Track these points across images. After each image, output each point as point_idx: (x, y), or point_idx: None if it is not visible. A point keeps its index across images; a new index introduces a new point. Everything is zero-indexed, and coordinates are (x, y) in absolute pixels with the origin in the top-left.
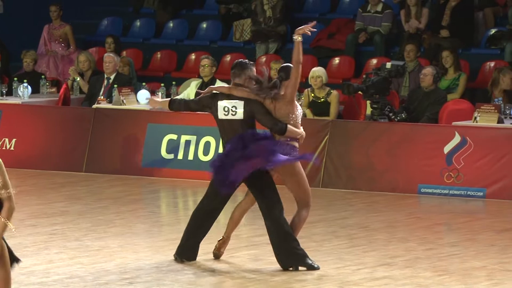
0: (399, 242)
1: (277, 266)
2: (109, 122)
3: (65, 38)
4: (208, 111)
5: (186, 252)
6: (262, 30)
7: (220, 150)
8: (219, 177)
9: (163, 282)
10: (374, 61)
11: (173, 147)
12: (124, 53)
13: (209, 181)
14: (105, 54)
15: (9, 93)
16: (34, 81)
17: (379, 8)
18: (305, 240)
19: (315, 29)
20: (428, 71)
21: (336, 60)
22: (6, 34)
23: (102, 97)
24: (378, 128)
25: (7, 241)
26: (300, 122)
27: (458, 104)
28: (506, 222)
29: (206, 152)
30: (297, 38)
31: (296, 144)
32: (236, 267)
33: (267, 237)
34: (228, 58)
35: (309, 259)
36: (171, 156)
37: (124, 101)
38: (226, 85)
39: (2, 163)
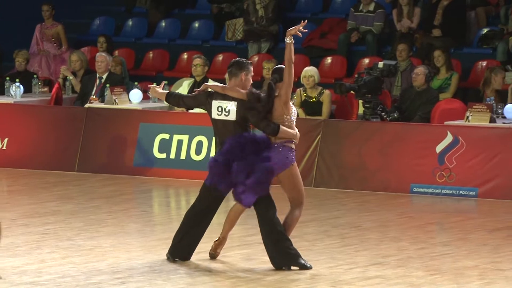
0: (391, 242)
1: (269, 265)
2: (101, 121)
3: (57, 37)
4: (203, 108)
5: (180, 252)
6: (254, 29)
7: (213, 149)
8: (218, 172)
9: (156, 282)
10: (366, 60)
11: (165, 147)
12: (116, 52)
13: (202, 181)
14: (97, 54)
15: (1, 92)
16: (26, 80)
17: (371, 7)
18: (298, 239)
19: (306, 30)
20: (420, 71)
21: (328, 60)
22: None
23: (94, 97)
24: (370, 127)
25: None
26: (295, 124)
27: (450, 104)
28: (498, 221)
29: (198, 152)
30: (288, 40)
31: (293, 146)
32: (228, 266)
33: (260, 236)
34: (220, 57)
35: (302, 258)
36: (163, 155)
37: (116, 100)
38: (220, 84)
39: None
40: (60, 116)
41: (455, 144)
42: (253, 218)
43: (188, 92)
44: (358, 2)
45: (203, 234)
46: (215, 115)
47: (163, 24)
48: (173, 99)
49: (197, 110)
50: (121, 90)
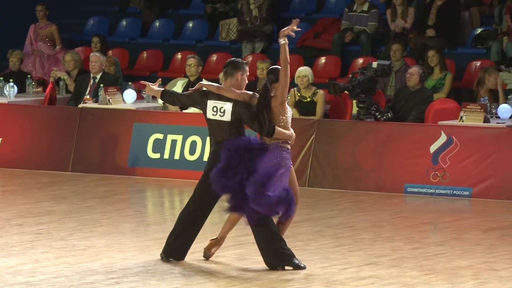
0: (385, 242)
1: (263, 265)
2: (95, 121)
3: (51, 37)
4: (198, 107)
5: (174, 251)
6: (248, 29)
7: (207, 149)
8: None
9: (150, 282)
10: (360, 60)
11: (159, 147)
12: (110, 52)
13: (197, 181)
14: (91, 54)
15: None
16: (20, 80)
17: (365, 7)
18: (291, 239)
19: (299, 29)
20: (414, 71)
21: (322, 60)
22: None
23: (88, 97)
24: (364, 127)
25: None
26: (290, 124)
27: (444, 104)
28: (492, 221)
29: (192, 152)
30: (282, 41)
31: (288, 146)
32: (223, 266)
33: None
34: (214, 57)
35: (296, 258)
36: (157, 155)
37: (110, 100)
38: (215, 84)
39: None
40: (54, 116)
41: (449, 144)
42: None
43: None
44: (352, 2)
45: (197, 234)
46: (210, 115)
47: (157, 24)
48: (168, 97)
49: (191, 110)
50: (115, 90)
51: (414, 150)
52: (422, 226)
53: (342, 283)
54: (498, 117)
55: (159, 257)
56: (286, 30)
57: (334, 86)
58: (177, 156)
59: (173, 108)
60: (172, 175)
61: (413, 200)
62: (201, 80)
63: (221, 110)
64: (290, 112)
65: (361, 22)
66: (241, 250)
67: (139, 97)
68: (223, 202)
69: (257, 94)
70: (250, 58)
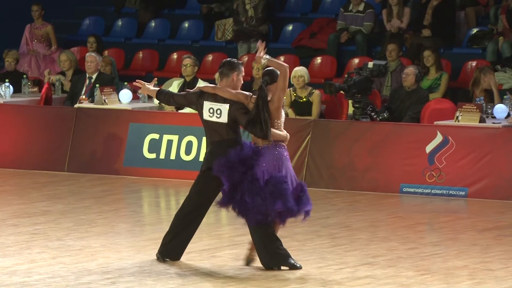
0: (381, 242)
1: (259, 265)
2: (91, 121)
3: (47, 37)
4: (193, 108)
5: (170, 252)
6: (244, 29)
7: (203, 149)
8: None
9: (146, 282)
10: (356, 60)
11: (155, 147)
12: (106, 52)
13: (192, 181)
14: (87, 54)
15: None
16: (16, 80)
17: (361, 7)
18: (288, 239)
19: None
20: (410, 71)
21: (318, 60)
22: None
23: (84, 97)
24: (360, 127)
25: None
26: (283, 126)
27: (440, 104)
28: (488, 221)
29: (188, 152)
30: (264, 60)
31: (285, 145)
32: (218, 266)
33: (249, 236)
34: (210, 57)
35: (292, 258)
36: (153, 155)
37: (106, 100)
38: (211, 85)
39: None
40: (50, 116)
41: (445, 144)
42: None
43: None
44: (347, 2)
45: (193, 235)
46: (206, 116)
47: (153, 24)
48: (163, 96)
49: (186, 110)
50: (111, 90)
51: (410, 150)
52: (418, 226)
53: (338, 283)
54: (494, 117)
55: (155, 257)
56: (257, 57)
57: (329, 86)
58: (173, 156)
59: (169, 108)
60: (168, 175)
61: (409, 200)
62: (197, 80)
63: (217, 112)
64: (283, 114)
65: (356, 22)
66: (237, 250)
67: (135, 97)
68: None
69: (253, 94)
70: (245, 58)
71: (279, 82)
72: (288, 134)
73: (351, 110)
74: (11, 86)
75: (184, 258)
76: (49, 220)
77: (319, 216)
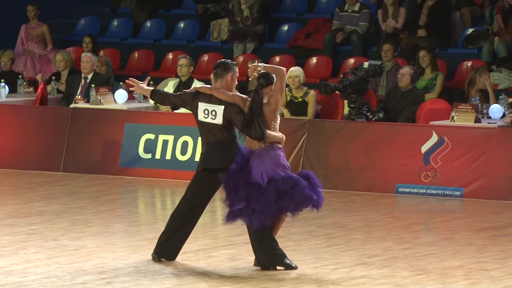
0: (376, 242)
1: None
2: (87, 121)
3: (43, 37)
4: (188, 108)
5: (165, 252)
6: (240, 29)
7: (199, 149)
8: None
9: (141, 282)
10: (352, 60)
11: (150, 147)
12: (101, 52)
13: (188, 181)
14: (83, 54)
15: None
16: (12, 80)
17: (357, 7)
18: (283, 239)
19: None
20: (406, 71)
21: (314, 60)
22: None
23: (79, 97)
24: (356, 127)
25: None
26: (278, 129)
27: (435, 104)
28: (483, 221)
29: (183, 152)
30: (260, 68)
31: (281, 146)
32: (214, 266)
33: (245, 236)
34: (205, 57)
35: (287, 259)
36: (149, 155)
37: (102, 100)
38: (207, 86)
39: None
40: (46, 116)
41: (440, 144)
42: None
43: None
44: (343, 2)
45: (189, 235)
46: (201, 117)
47: (148, 24)
48: (158, 96)
49: (182, 111)
50: (106, 90)
51: (406, 150)
52: (413, 226)
53: (333, 283)
54: (489, 117)
55: (151, 257)
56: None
57: (325, 86)
58: (168, 156)
59: (164, 108)
60: (163, 175)
61: (405, 200)
62: (193, 80)
63: (212, 113)
64: (279, 118)
65: (352, 22)
66: (233, 250)
67: (131, 97)
68: (215, 202)
69: (248, 97)
70: (241, 59)
71: (277, 84)
72: (284, 135)
73: (346, 110)
74: (6, 86)
75: (179, 258)
76: (44, 220)
77: (315, 216)
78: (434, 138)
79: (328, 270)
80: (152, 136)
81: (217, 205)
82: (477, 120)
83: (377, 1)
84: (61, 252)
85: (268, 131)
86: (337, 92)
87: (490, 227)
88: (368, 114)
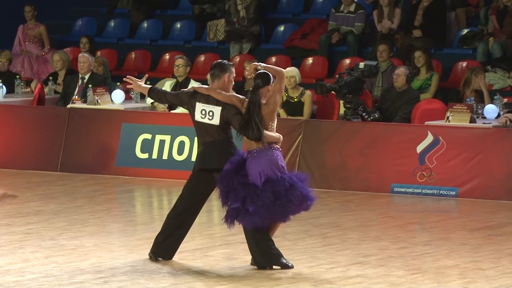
0: (372, 241)
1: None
2: (84, 121)
3: (40, 38)
4: (185, 107)
5: (162, 251)
6: (236, 30)
7: (195, 149)
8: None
9: (138, 281)
10: (347, 61)
11: (147, 147)
12: (98, 53)
13: (185, 181)
14: (80, 54)
15: None
16: (9, 81)
17: (352, 8)
18: (279, 239)
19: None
20: (401, 71)
21: (310, 60)
22: None
23: (76, 97)
24: (351, 127)
25: None
26: (275, 129)
27: (430, 104)
28: (478, 221)
29: (180, 152)
30: (260, 67)
31: (278, 146)
32: (211, 266)
33: (241, 236)
34: (202, 58)
35: (284, 258)
36: (146, 155)
37: (99, 101)
38: (204, 86)
39: None
40: (43, 116)
41: (435, 144)
42: None
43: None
44: (339, 3)
45: (185, 235)
46: (198, 117)
47: (145, 25)
48: (156, 94)
49: (179, 110)
50: (104, 90)
51: (401, 150)
52: (409, 225)
53: (329, 282)
54: (484, 118)
55: (148, 257)
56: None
57: (321, 86)
58: (165, 156)
59: (161, 109)
60: (160, 175)
61: (400, 200)
62: (189, 81)
63: (209, 114)
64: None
65: (348, 23)
66: (229, 249)
67: (128, 98)
68: (211, 202)
69: (245, 98)
70: (237, 59)
71: (276, 85)
72: (281, 136)
73: (342, 110)
74: (4, 87)
75: (176, 257)
76: (42, 220)
77: (311, 216)
78: (429, 138)
79: (324, 270)
80: (149, 136)
81: (213, 205)
82: (472, 120)
83: (373, 1)
84: (59, 252)
85: (266, 132)
86: (333, 92)
87: (485, 226)
88: (364, 114)
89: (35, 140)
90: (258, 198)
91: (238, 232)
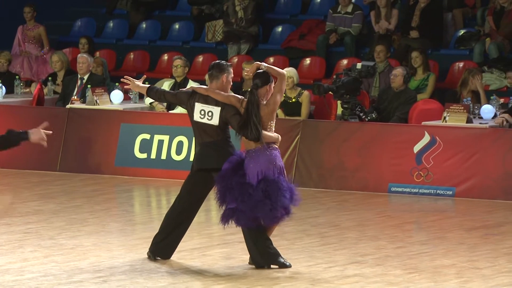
0: (369, 241)
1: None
2: (83, 122)
3: (39, 38)
4: (183, 107)
5: (161, 250)
6: (234, 31)
7: (193, 149)
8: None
9: (137, 280)
10: (345, 61)
11: (146, 147)
12: (97, 53)
13: (183, 181)
14: (79, 55)
15: None
16: (9, 81)
17: (350, 9)
18: (277, 238)
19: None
20: (398, 72)
21: (307, 61)
22: None
23: (75, 97)
24: (349, 128)
25: None
26: (273, 129)
27: (427, 104)
28: (475, 220)
29: (179, 152)
30: (264, 67)
31: (276, 146)
32: (209, 265)
33: (239, 235)
34: (200, 58)
35: (281, 257)
36: (144, 155)
37: (98, 101)
38: (203, 86)
39: None
40: (42, 116)
41: (432, 144)
42: None
43: None
44: (336, 3)
45: (184, 234)
46: (197, 117)
47: (144, 25)
48: (154, 93)
49: (177, 111)
50: (102, 90)
51: (398, 150)
52: (406, 225)
53: (327, 282)
54: (481, 118)
55: (146, 256)
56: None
57: (318, 87)
58: (163, 156)
59: (160, 109)
60: (159, 175)
61: (397, 199)
62: (188, 81)
63: (208, 114)
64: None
65: (345, 24)
66: (227, 249)
67: (126, 98)
68: (209, 201)
69: (244, 98)
70: (235, 60)
71: (277, 86)
72: (279, 136)
73: (339, 110)
74: (3, 87)
75: (174, 256)
76: (41, 219)
77: (309, 215)
78: (426, 138)
79: (321, 269)
80: (147, 136)
81: (211, 204)
82: (469, 121)
83: (370, 2)
84: (58, 251)
85: (264, 132)
86: (330, 92)
87: (481, 226)
88: (361, 114)
89: None
90: (250, 199)
91: (236, 232)
